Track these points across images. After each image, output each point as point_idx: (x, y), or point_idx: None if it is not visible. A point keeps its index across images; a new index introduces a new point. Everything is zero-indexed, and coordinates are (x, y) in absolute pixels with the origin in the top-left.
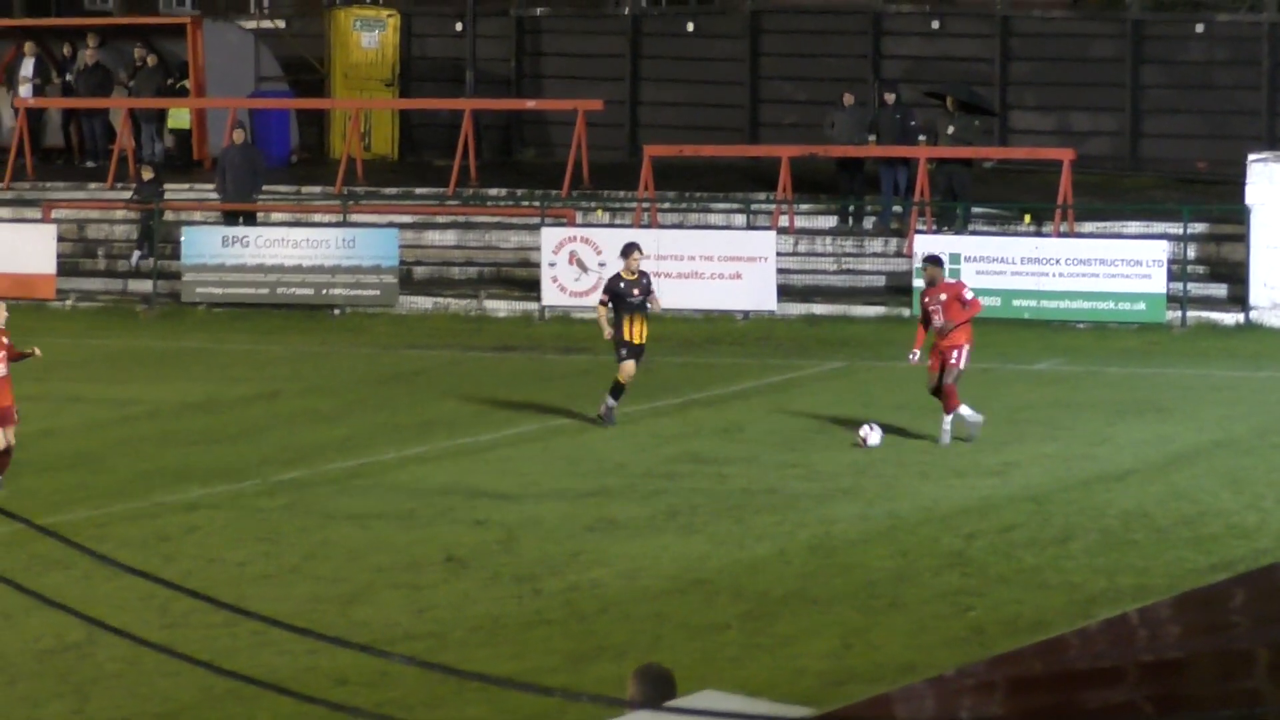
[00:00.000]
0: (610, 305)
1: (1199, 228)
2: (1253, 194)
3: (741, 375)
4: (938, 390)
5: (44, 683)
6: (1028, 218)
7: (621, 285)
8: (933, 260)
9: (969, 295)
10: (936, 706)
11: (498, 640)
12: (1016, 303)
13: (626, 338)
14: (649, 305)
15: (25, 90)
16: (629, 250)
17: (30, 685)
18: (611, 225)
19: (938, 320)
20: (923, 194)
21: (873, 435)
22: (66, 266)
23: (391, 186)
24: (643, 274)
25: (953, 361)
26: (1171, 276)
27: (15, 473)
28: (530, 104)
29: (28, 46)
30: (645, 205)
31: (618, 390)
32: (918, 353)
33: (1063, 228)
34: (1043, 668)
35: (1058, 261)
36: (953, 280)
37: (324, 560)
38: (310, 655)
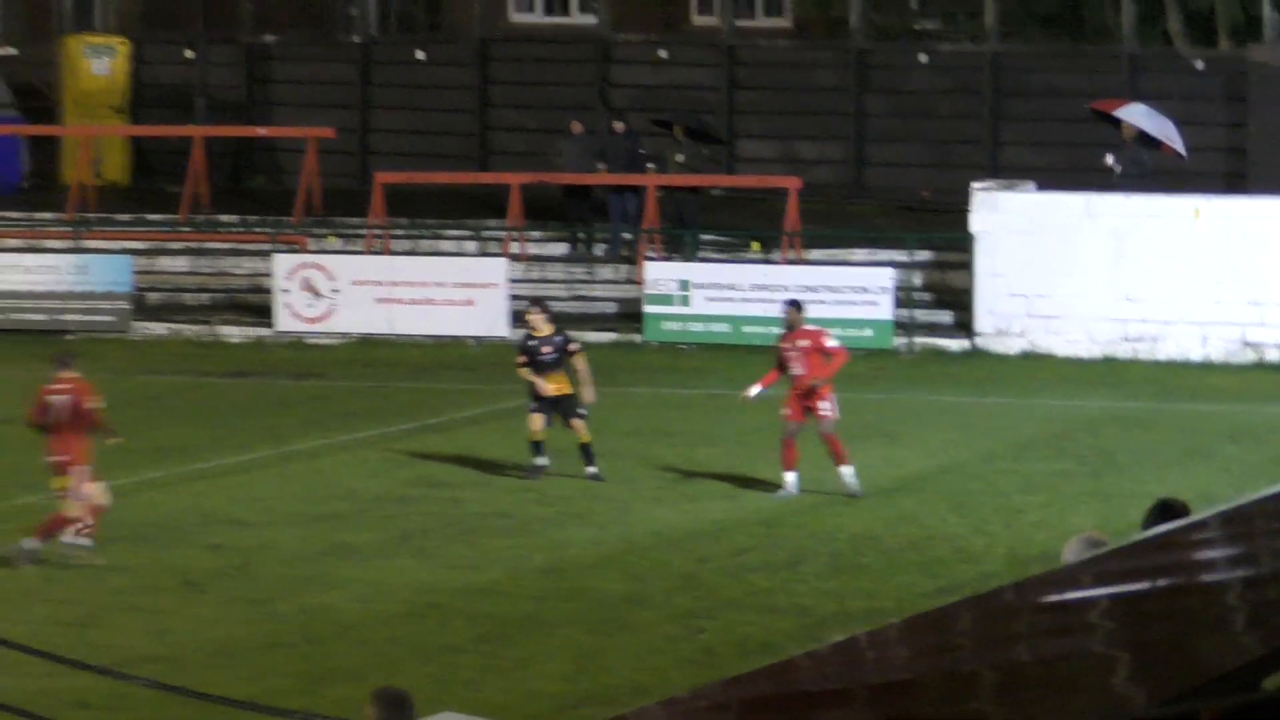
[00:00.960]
0: (529, 365)
1: (925, 255)
2: (976, 222)
3: (474, 400)
4: (791, 439)
5: None
6: (756, 245)
7: (530, 344)
8: (794, 305)
9: (831, 344)
10: None
11: (235, 663)
12: (746, 329)
13: (541, 393)
14: (571, 362)
15: None
16: (529, 309)
17: None
18: (344, 251)
19: (796, 368)
20: (652, 221)
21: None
22: None
23: (124, 213)
24: (558, 333)
25: (824, 412)
26: (898, 303)
27: None
28: (261, 131)
29: None
30: (377, 232)
31: (534, 446)
32: (758, 390)
33: (790, 255)
34: (774, 689)
35: (786, 289)
36: (812, 327)
37: (60, 583)
38: (48, 678)
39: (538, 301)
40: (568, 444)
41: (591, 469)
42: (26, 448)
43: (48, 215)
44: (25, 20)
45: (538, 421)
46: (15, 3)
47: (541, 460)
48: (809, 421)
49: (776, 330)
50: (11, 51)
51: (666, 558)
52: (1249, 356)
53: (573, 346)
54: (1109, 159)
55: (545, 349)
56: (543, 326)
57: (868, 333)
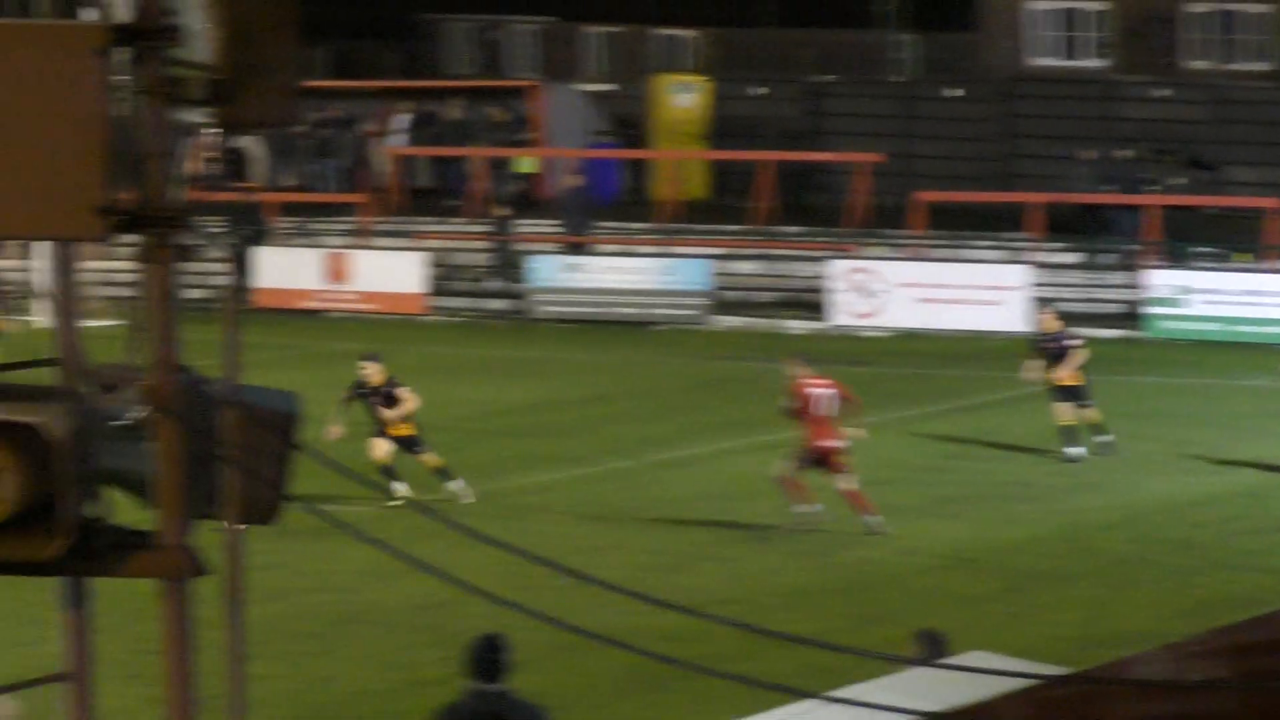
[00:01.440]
0: (1042, 358)
1: None
2: None
3: (999, 386)
4: None
5: (418, 634)
6: (1244, 255)
7: (1042, 340)
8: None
9: None
10: (1173, 668)
11: (798, 605)
12: (1238, 328)
13: (1055, 383)
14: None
15: (400, 141)
16: (1042, 309)
17: (406, 635)
18: (890, 258)
19: None
20: (1152, 235)
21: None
22: (434, 287)
23: (703, 224)
24: (1064, 331)
25: None
26: None
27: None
28: (820, 156)
29: (403, 106)
30: (918, 242)
31: (1066, 434)
32: None
33: (1277, 264)
34: (1257, 637)
35: (1273, 294)
36: None
37: (650, 534)
38: (641, 615)
39: (1049, 303)
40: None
41: (1105, 438)
42: (624, 419)
43: (639, 225)
44: (623, 62)
45: (1064, 411)
46: (616, 48)
47: (1076, 450)
48: None
49: (1265, 330)
50: (612, 88)
51: (1166, 522)
52: None
53: (1075, 342)
54: None
55: (1053, 344)
56: (1052, 324)
57: None
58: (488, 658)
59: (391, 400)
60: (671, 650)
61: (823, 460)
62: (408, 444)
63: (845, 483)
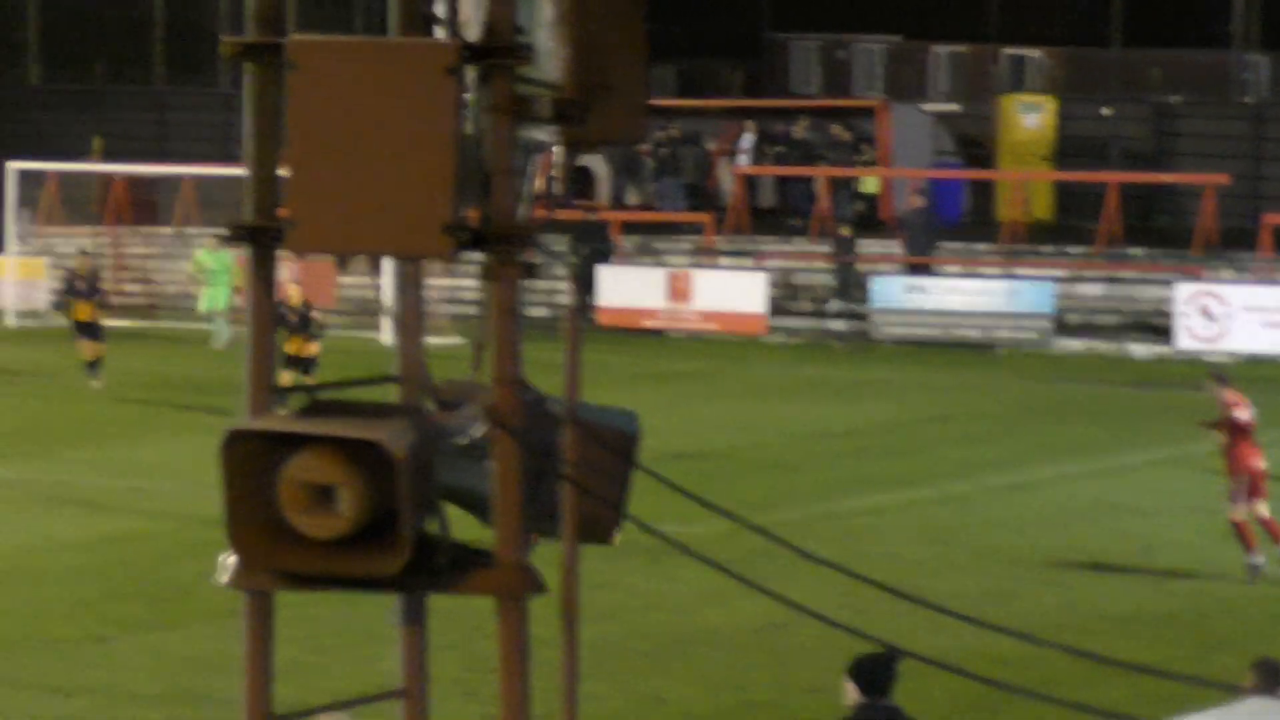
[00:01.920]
0: None
1: None
2: None
3: None
4: None
5: (751, 655)
6: None
7: None
8: None
9: None
10: None
11: (1134, 632)
12: None
13: None
14: None
15: (744, 160)
16: None
17: (739, 657)
18: (1235, 282)
19: None
20: None
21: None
22: (775, 307)
23: (1048, 245)
24: None
25: None
26: None
27: (726, 475)
28: (1166, 177)
29: (748, 124)
30: (1265, 265)
31: None
32: None
33: None
34: None
35: None
36: None
37: (986, 558)
38: (975, 639)
39: None
40: None
41: None
42: (963, 441)
43: (983, 246)
44: (969, 81)
45: None
46: (963, 68)
47: None
48: None
49: None
50: (955, 108)
51: None
52: None
53: None
54: None
55: None
56: None
57: None
58: (879, 671)
59: None
60: (1005, 676)
61: (1254, 485)
62: None
63: (1265, 509)
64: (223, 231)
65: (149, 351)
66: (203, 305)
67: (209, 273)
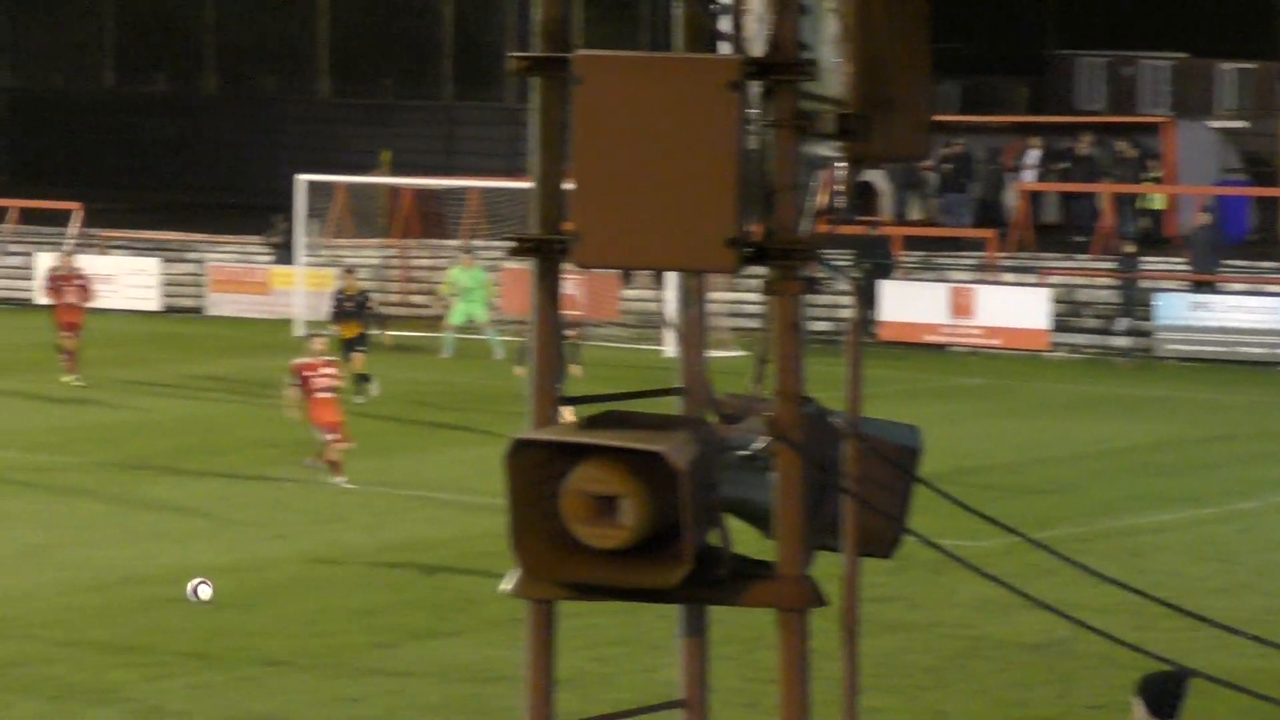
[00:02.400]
0: None
1: None
2: None
3: None
4: None
5: (1033, 671)
6: None
7: None
8: None
9: None
10: None
11: None
12: None
13: None
14: None
15: (1028, 176)
16: None
17: (1020, 672)
18: None
19: None
20: None
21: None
22: (1058, 323)
23: None
24: None
25: None
26: None
27: (1007, 490)
28: None
29: (1032, 140)
30: None
31: None
32: None
33: None
34: None
35: None
36: None
37: (1271, 576)
38: (1261, 659)
39: None
40: None
41: None
42: (1248, 459)
43: (1269, 264)
44: (1256, 99)
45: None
46: (1249, 85)
47: None
48: None
49: None
50: (1242, 125)
51: None
52: None
53: None
54: None
55: None
56: None
57: None
58: (1171, 691)
59: None
60: None
61: None
62: None
63: None
64: (503, 245)
65: (435, 363)
66: (453, 319)
67: (463, 289)
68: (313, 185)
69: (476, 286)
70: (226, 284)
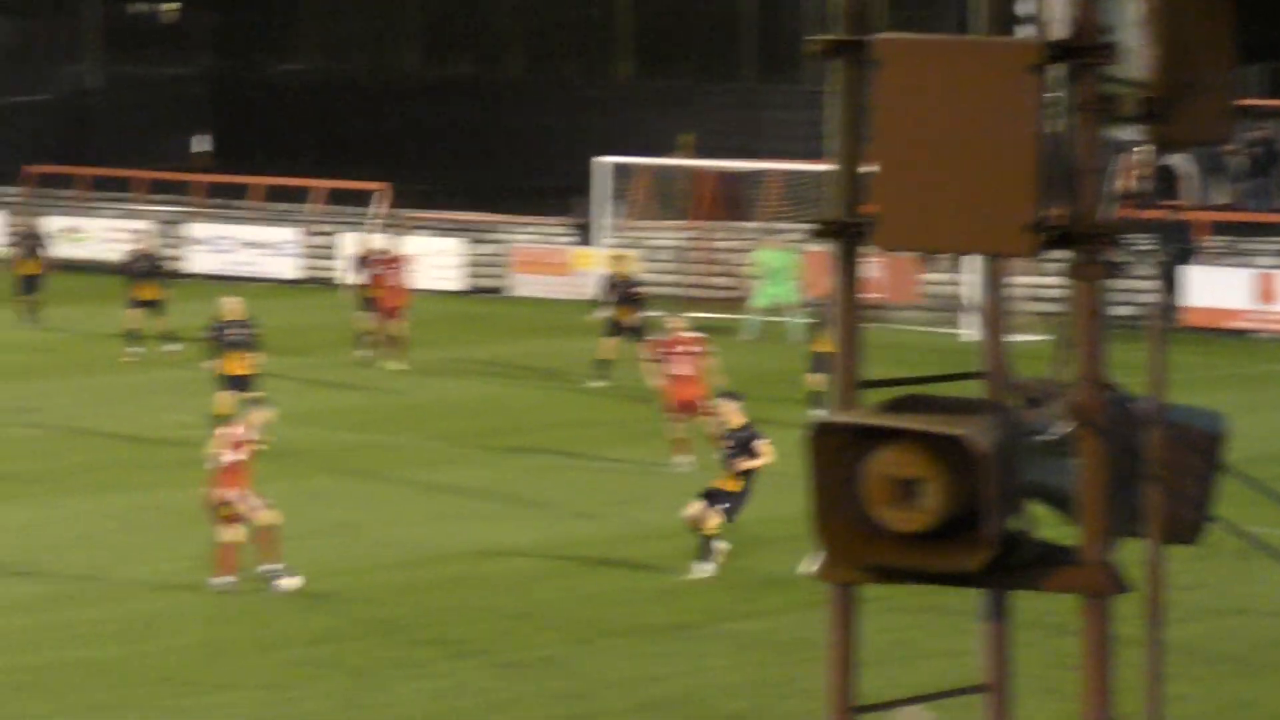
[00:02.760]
0: None
1: None
2: None
3: None
4: None
5: None
6: None
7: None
8: None
9: None
10: None
11: None
12: None
13: None
14: None
15: None
16: None
17: None
18: None
19: None
20: None
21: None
22: None
23: None
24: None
25: None
26: None
27: None
28: None
29: None
30: None
31: None
32: None
33: None
34: None
35: None
36: None
37: None
38: None
39: None
40: None
41: None
42: None
43: None
44: None
45: None
46: None
47: None
48: None
49: None
50: None
51: None
52: None
53: None
54: None
55: None
56: None
57: None
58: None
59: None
60: None
61: None
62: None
63: None
64: (804, 228)
65: (736, 345)
66: (759, 301)
67: (771, 270)
68: (614, 168)
69: (783, 268)
70: (529, 265)
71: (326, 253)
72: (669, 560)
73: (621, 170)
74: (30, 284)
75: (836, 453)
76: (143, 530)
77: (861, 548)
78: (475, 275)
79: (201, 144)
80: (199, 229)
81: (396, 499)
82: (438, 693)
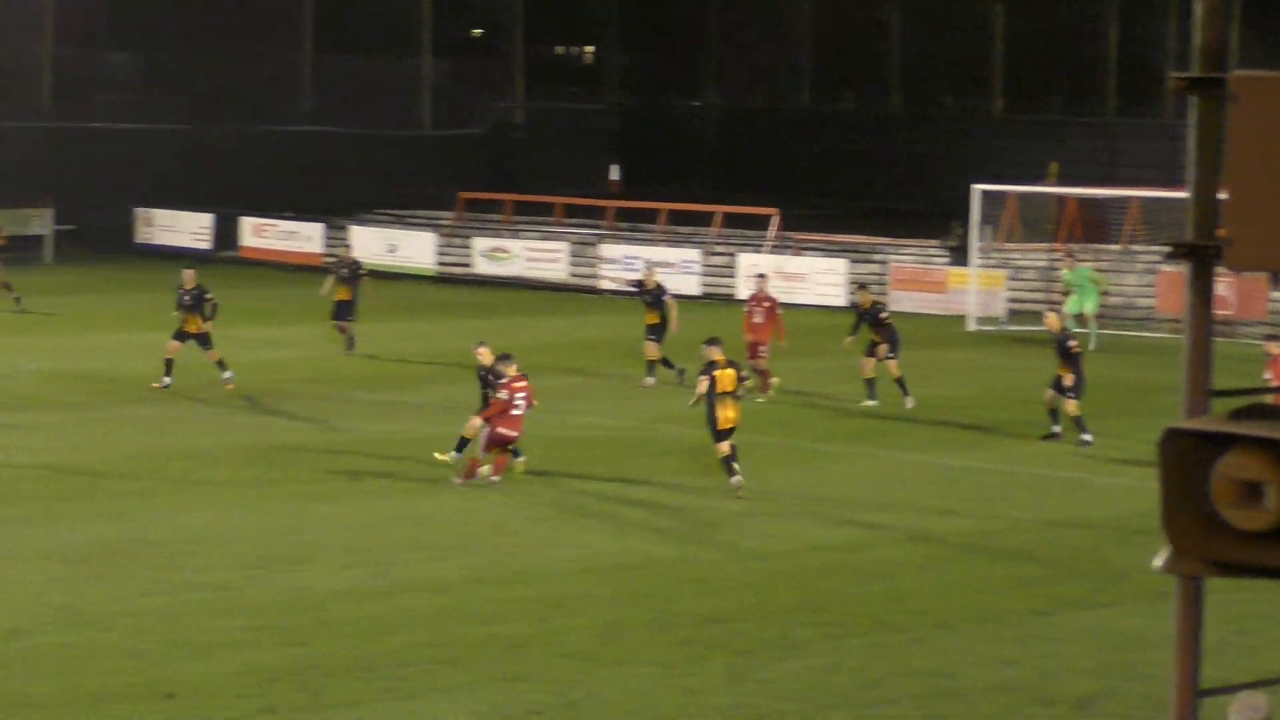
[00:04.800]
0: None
1: None
2: None
3: None
4: None
5: None
6: None
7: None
8: None
9: None
10: None
11: None
12: None
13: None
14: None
15: None
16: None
17: None
18: None
19: None
20: None
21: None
22: None
23: None
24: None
25: None
26: None
27: None
28: None
29: None
30: None
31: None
32: None
33: None
34: None
35: None
36: None
37: None
38: None
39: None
40: None
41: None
42: None
43: None
44: None
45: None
46: None
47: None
48: None
49: None
50: None
51: None
52: None
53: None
54: None
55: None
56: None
57: None
58: None
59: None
60: None
61: None
62: None
63: None
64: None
65: (1103, 359)
66: (1068, 309)
67: (1077, 287)
68: (986, 194)
69: (1084, 283)
70: (907, 282)
71: (726, 271)
72: (1027, 552)
73: (993, 197)
74: (341, 309)
75: (1185, 456)
76: (552, 522)
77: (1207, 544)
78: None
79: (614, 172)
80: (609, 249)
81: (780, 491)
82: (814, 670)
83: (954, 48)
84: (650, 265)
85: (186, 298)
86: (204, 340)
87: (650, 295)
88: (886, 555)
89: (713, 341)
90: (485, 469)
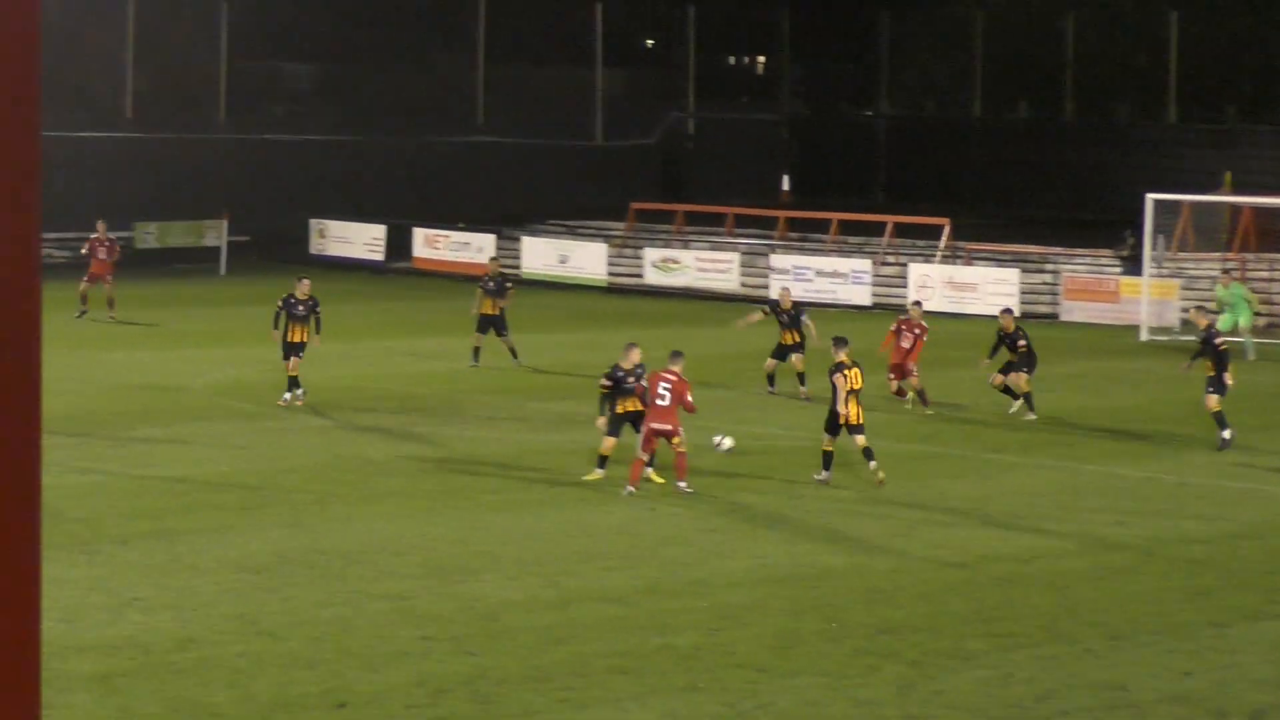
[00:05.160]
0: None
1: None
2: None
3: None
4: None
5: None
6: None
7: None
8: None
9: None
10: None
11: None
12: None
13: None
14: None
15: None
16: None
17: None
18: None
19: None
20: None
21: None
22: None
23: None
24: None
25: None
26: None
27: None
28: None
29: None
30: None
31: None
32: None
33: None
34: None
35: None
36: None
37: None
38: None
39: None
40: None
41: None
42: None
43: None
44: None
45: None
46: None
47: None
48: None
49: None
50: None
51: None
52: None
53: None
54: None
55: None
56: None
57: None
58: None
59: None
60: None
61: None
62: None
63: None
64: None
65: (1240, 366)
66: (1221, 324)
67: (1229, 304)
68: (1160, 203)
69: (1237, 300)
70: (1079, 292)
71: (897, 282)
72: (1202, 564)
73: (1166, 206)
74: (486, 324)
75: None
76: (724, 532)
77: None
78: (1030, 301)
79: (785, 182)
80: (780, 260)
81: (951, 500)
82: (986, 681)
83: (1128, 56)
84: (784, 288)
85: (300, 308)
86: (300, 350)
87: (787, 315)
88: (1060, 566)
89: (840, 342)
90: (649, 470)
